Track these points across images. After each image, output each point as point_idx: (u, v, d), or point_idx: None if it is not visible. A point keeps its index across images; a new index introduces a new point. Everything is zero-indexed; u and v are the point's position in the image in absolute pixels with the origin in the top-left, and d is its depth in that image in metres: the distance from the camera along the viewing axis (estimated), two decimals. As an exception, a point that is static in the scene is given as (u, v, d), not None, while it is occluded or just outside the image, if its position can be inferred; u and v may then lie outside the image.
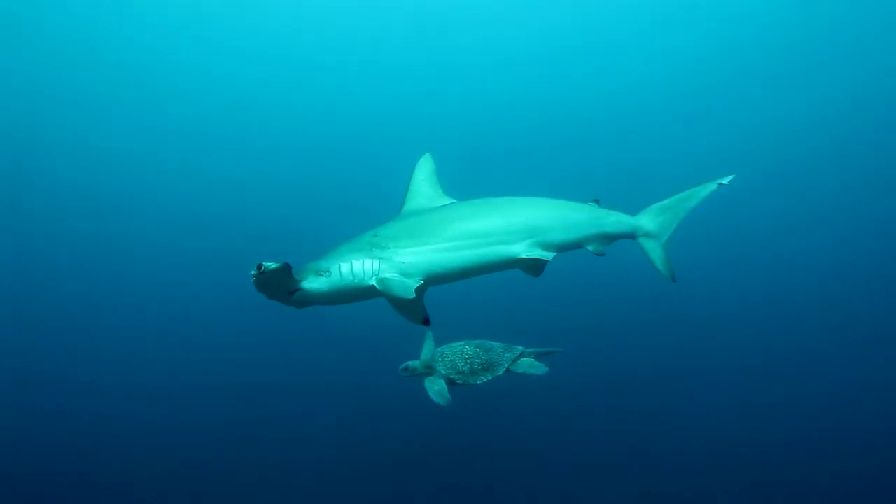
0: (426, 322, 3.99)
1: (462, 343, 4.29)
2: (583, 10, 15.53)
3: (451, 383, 4.06)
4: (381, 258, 3.68)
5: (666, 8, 15.28)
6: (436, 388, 4.03)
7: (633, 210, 4.49)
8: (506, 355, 4.16)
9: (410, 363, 4.25)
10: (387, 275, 3.64)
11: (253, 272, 3.22)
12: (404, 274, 3.68)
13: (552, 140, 16.27)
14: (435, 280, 3.81)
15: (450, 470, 8.43)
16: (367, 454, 8.88)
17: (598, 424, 9.36)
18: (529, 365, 4.21)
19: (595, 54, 16.40)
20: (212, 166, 16.29)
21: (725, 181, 4.28)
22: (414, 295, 3.55)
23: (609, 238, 4.34)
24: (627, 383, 10.07)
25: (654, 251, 4.46)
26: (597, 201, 4.41)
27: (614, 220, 4.38)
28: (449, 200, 4.23)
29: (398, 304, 3.73)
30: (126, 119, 16.03)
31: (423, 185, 4.25)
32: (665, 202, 4.43)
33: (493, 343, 4.30)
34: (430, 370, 4.16)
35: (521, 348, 4.31)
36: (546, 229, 4.01)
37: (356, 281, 3.61)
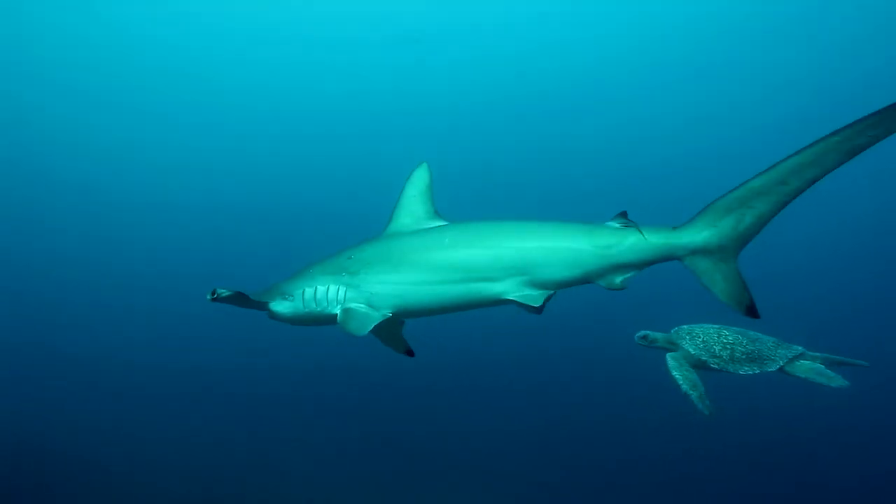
0: (409, 353, 3.89)
1: (717, 326, 3.78)
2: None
3: (701, 366, 3.61)
4: (349, 285, 3.40)
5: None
6: (691, 385, 3.52)
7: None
8: (780, 351, 3.60)
9: (651, 333, 3.87)
10: (352, 305, 3.37)
11: (208, 297, 3.17)
12: (371, 305, 3.38)
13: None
14: (407, 314, 3.49)
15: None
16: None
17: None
18: (817, 371, 3.56)
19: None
20: (222, 161, 17.13)
21: None
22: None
23: (629, 267, 3.24)
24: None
25: (715, 272, 3.07)
26: (624, 214, 3.35)
27: (630, 244, 3.20)
28: (439, 222, 3.69)
29: (376, 334, 3.48)
30: (126, 113, 16.74)
31: (414, 202, 3.75)
32: (733, 195, 2.93)
33: (761, 335, 3.73)
34: (672, 346, 3.75)
35: (800, 348, 3.67)
36: (538, 264, 3.29)
37: (319, 308, 3.41)
